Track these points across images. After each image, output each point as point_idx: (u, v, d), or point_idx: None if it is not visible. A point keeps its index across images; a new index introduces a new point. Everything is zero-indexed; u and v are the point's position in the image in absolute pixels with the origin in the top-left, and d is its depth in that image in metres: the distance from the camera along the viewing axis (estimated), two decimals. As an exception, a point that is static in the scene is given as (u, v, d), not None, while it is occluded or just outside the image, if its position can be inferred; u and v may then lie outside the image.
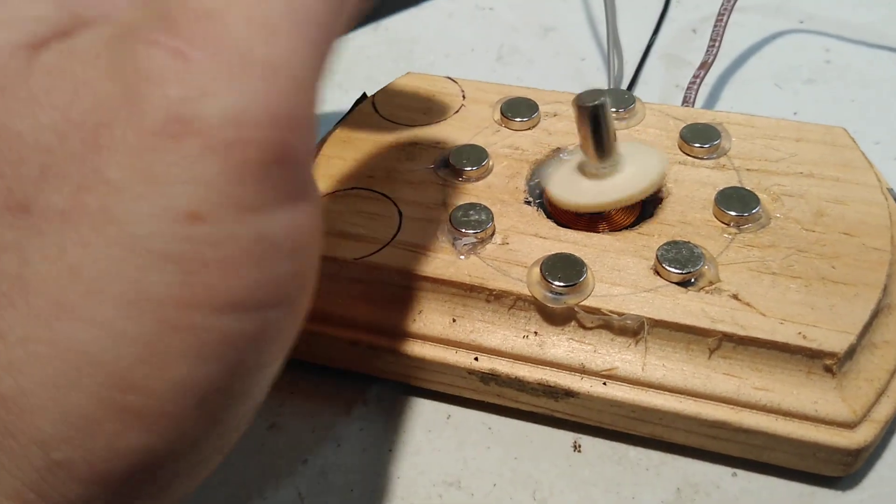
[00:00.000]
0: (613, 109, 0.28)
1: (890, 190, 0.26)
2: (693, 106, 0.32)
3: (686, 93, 0.32)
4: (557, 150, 0.27)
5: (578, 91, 0.24)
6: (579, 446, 0.24)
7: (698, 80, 0.32)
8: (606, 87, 0.35)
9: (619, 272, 0.23)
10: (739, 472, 0.23)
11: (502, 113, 0.29)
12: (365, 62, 0.40)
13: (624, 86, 0.36)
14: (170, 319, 0.13)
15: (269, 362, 0.16)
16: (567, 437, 0.24)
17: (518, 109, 0.28)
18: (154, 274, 0.13)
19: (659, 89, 0.36)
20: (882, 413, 0.21)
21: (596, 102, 0.23)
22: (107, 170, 0.13)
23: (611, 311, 0.22)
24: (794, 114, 0.34)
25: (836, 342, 0.21)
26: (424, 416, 0.25)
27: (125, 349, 0.13)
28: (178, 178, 0.13)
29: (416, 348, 0.24)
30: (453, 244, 0.24)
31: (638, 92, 0.36)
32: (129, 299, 0.13)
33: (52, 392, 0.13)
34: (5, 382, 0.13)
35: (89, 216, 0.13)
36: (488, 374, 0.23)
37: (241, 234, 0.14)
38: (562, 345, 0.23)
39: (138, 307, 0.13)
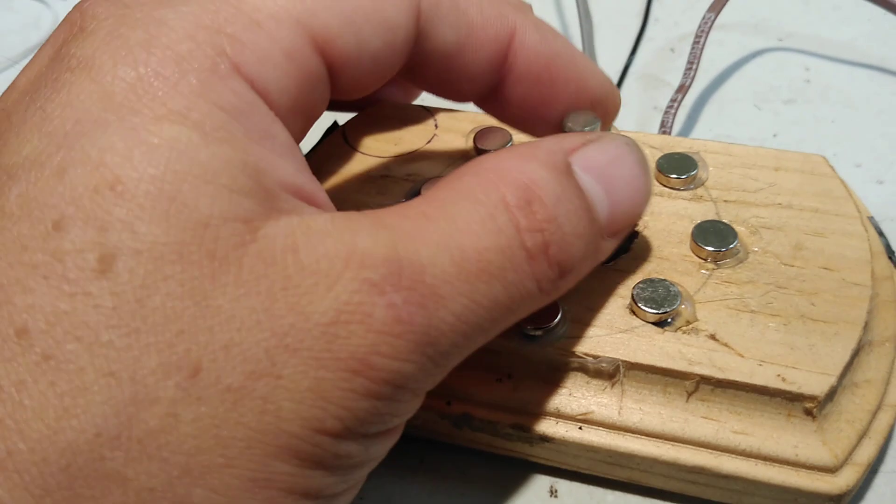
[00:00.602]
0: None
1: (871, 219, 0.26)
2: (671, 131, 0.31)
3: (664, 117, 0.31)
4: None
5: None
6: (556, 491, 0.23)
7: (675, 104, 0.32)
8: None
9: (594, 312, 0.23)
10: (719, 516, 0.22)
11: (475, 143, 0.28)
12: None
13: (601, 108, 0.36)
14: (274, 500, 0.15)
15: None
16: (544, 482, 0.23)
17: (492, 140, 0.28)
18: (283, 465, 0.15)
19: (637, 112, 0.36)
20: (864, 456, 0.21)
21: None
22: (289, 374, 0.15)
23: (585, 354, 0.22)
24: (774, 135, 0.34)
25: (816, 385, 0.20)
26: (396, 460, 0.24)
27: None
28: (338, 403, 0.15)
29: (387, 393, 0.23)
30: (424, 284, 0.24)
31: (616, 114, 0.36)
32: (254, 478, 0.15)
33: None
34: None
35: (254, 400, 0.15)
36: (461, 418, 0.23)
37: (352, 453, 0.16)
38: (536, 388, 0.22)
39: (259, 486, 0.15)
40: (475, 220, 0.17)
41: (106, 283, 0.15)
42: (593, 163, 0.20)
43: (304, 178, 0.18)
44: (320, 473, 0.16)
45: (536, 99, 0.23)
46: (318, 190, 0.18)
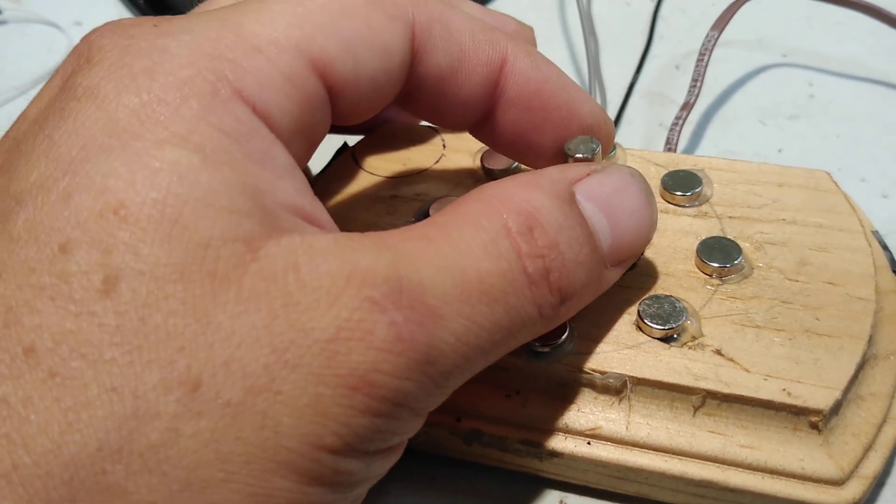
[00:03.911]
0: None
1: (875, 233, 0.26)
2: (676, 148, 0.32)
3: (669, 134, 0.32)
4: None
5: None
6: (565, 506, 0.23)
7: (680, 122, 0.32)
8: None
9: (601, 328, 0.23)
10: (728, 530, 0.22)
11: (482, 162, 0.28)
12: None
13: (607, 126, 0.36)
14: None
15: None
16: (554, 497, 0.24)
17: (498, 159, 0.28)
18: (282, 480, 0.15)
19: (643, 129, 0.36)
20: (870, 468, 0.21)
21: (587, 156, 0.23)
22: (288, 389, 0.15)
23: (593, 370, 0.22)
24: (779, 151, 0.34)
25: (821, 398, 0.21)
26: (409, 476, 0.24)
27: None
28: (338, 419, 0.16)
29: (398, 410, 0.24)
30: (433, 302, 0.24)
31: (622, 132, 0.36)
32: (253, 492, 0.15)
33: None
34: None
35: (253, 415, 0.15)
36: (471, 434, 0.23)
37: (351, 469, 0.16)
38: (545, 404, 0.23)
39: (258, 502, 0.15)
40: (477, 244, 0.18)
41: (110, 303, 0.15)
42: (597, 192, 0.21)
43: (305, 199, 0.18)
44: (320, 490, 0.16)
45: (528, 125, 0.23)
46: (321, 211, 0.19)
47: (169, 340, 0.15)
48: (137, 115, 0.16)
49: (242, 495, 0.15)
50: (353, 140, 0.31)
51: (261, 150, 0.17)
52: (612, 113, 0.37)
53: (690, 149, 0.35)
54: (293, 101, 0.18)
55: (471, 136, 0.29)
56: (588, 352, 0.22)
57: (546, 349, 0.22)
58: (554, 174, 0.20)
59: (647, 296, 0.23)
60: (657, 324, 0.22)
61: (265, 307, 0.15)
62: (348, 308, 0.16)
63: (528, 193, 0.19)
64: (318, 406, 0.15)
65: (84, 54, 0.18)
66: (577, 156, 0.23)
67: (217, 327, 0.15)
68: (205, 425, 0.15)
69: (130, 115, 0.16)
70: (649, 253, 0.25)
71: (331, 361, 0.15)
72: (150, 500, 0.15)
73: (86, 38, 0.18)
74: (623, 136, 0.36)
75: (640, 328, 0.23)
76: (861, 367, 0.22)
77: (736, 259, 0.24)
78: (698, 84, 0.33)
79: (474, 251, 0.18)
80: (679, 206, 0.26)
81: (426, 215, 0.26)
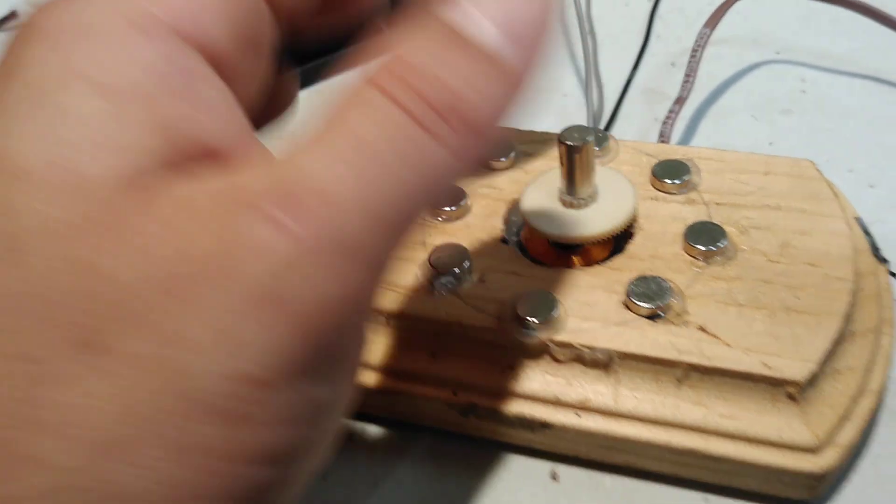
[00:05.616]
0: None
1: (858, 219, 0.27)
2: (669, 141, 0.33)
3: (662, 128, 0.33)
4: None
5: (558, 129, 0.25)
6: (557, 475, 0.25)
7: (673, 116, 0.33)
8: (585, 124, 0.36)
9: (591, 307, 0.24)
10: (711, 497, 0.23)
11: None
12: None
13: (604, 121, 0.37)
14: (208, 468, 0.14)
15: (287, 499, 0.16)
16: (545, 467, 0.25)
17: (496, 149, 0.29)
18: (206, 426, 0.14)
19: (638, 124, 0.37)
20: (845, 438, 0.22)
21: (579, 143, 0.24)
22: (186, 325, 0.14)
23: (582, 345, 0.23)
24: (770, 144, 0.35)
25: (798, 370, 0.22)
26: (405, 448, 0.26)
27: (163, 491, 0.14)
28: (255, 345, 0.14)
29: (397, 383, 0.25)
30: (432, 283, 0.25)
31: (618, 127, 0.37)
32: (177, 446, 0.14)
33: None
34: None
35: (158, 364, 0.14)
36: (467, 407, 0.24)
37: (292, 401, 0.15)
38: (536, 378, 0.24)
39: (184, 454, 0.14)
40: (356, 118, 0.16)
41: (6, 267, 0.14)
42: None
43: (228, 130, 0.17)
44: (253, 431, 0.14)
45: None
46: (249, 141, 0.17)
47: (66, 299, 0.14)
48: (43, 63, 0.16)
49: (167, 450, 0.14)
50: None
51: (182, 83, 0.16)
52: (609, 109, 0.38)
53: (683, 142, 0.36)
54: (224, 16, 0.17)
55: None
56: (578, 328, 0.24)
57: (537, 325, 0.23)
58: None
59: (635, 277, 0.24)
60: (644, 302, 0.24)
61: (156, 251, 0.14)
62: (235, 225, 0.14)
63: (391, 49, 0.17)
64: (226, 337, 0.14)
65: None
66: (569, 143, 0.24)
67: (111, 281, 0.14)
68: (110, 382, 0.14)
69: (36, 65, 0.16)
70: (640, 238, 0.26)
71: (229, 285, 0.14)
72: (71, 465, 0.14)
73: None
74: (620, 131, 0.37)
75: (628, 307, 0.24)
76: (838, 342, 0.23)
77: (721, 242, 0.25)
78: (691, 79, 0.35)
79: (355, 127, 0.15)
80: (668, 193, 0.27)
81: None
